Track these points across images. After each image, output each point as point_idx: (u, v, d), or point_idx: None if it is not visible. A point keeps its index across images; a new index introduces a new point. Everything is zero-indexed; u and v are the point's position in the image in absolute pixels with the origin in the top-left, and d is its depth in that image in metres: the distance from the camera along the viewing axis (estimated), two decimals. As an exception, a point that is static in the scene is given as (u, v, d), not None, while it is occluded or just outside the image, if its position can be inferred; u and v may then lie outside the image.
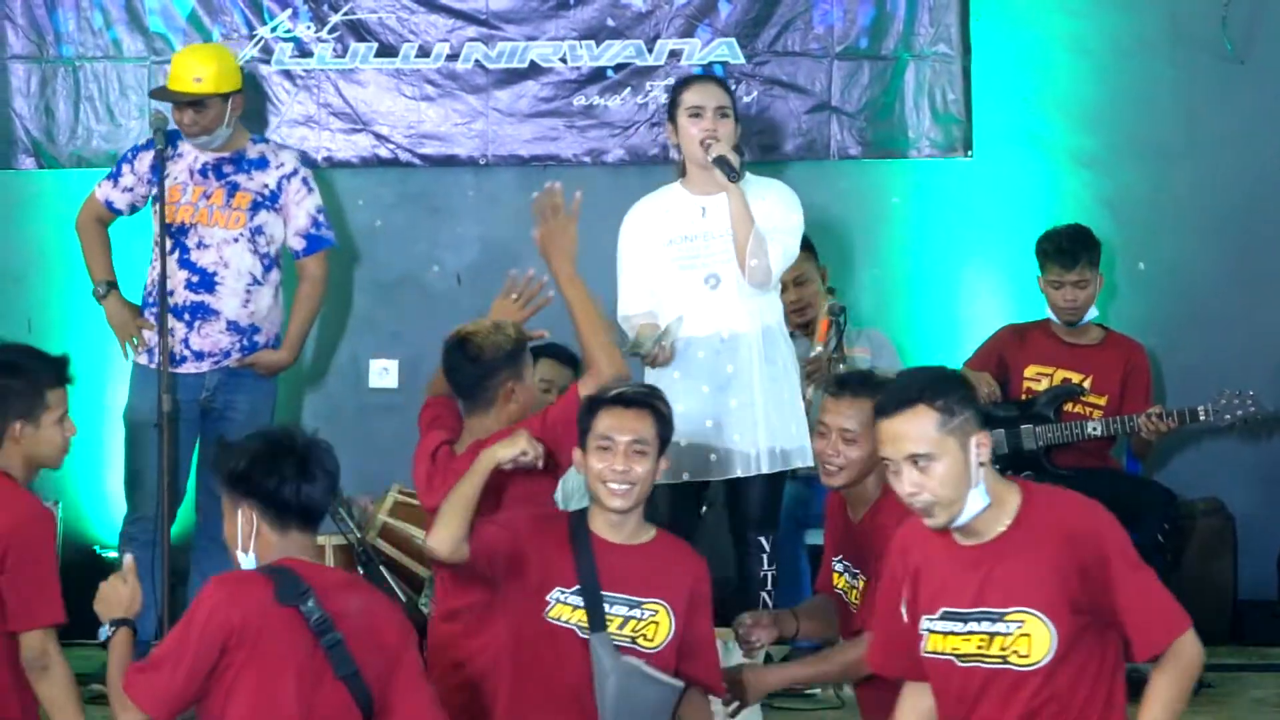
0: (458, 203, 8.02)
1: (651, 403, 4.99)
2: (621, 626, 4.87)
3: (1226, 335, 7.71)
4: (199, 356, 6.98)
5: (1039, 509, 4.25)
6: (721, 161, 6.13)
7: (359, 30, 7.91)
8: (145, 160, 7.12)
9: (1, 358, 4.96)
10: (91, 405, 7.76)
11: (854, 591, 5.20)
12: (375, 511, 7.11)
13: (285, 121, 7.90)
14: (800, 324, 7.21)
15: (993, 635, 4.21)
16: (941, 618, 4.27)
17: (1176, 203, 7.85)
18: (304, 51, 7.92)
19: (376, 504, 7.14)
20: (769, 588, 6.18)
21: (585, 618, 4.86)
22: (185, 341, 6.97)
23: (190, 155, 7.04)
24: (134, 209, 7.20)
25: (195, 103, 6.97)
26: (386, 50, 7.90)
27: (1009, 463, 7.36)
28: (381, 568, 6.99)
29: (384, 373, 7.97)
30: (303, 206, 7.10)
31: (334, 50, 7.91)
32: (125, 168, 7.19)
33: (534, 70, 7.89)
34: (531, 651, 4.91)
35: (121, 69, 7.88)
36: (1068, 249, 7.23)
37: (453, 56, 7.90)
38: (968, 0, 7.83)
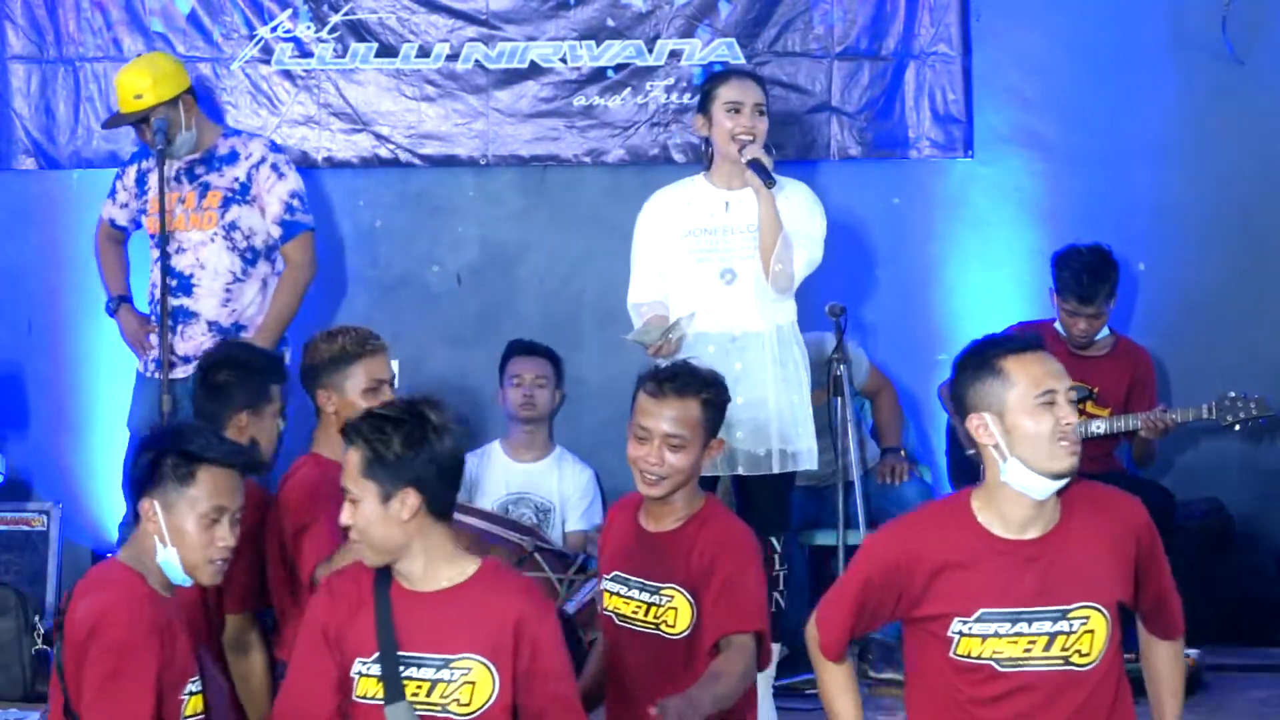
0: (458, 203, 8.01)
1: (362, 437, 4.16)
2: (430, 692, 4.11)
3: (1228, 335, 7.71)
4: (185, 360, 6.93)
5: (1086, 498, 4.15)
6: (757, 166, 6.03)
7: (359, 30, 7.90)
8: (131, 174, 7.16)
9: (228, 352, 5.55)
10: (90, 407, 7.77)
11: (650, 609, 4.74)
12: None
13: (285, 121, 7.90)
14: None
15: (1053, 635, 4.07)
16: (979, 620, 4.10)
17: (1177, 203, 7.85)
18: (304, 51, 7.91)
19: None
20: (780, 588, 6.09)
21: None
22: (172, 347, 6.96)
23: (167, 164, 7.02)
24: (136, 223, 7.22)
25: (146, 119, 6.94)
26: (386, 50, 7.90)
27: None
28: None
29: (384, 373, 7.95)
30: (274, 194, 7.01)
31: (334, 50, 7.91)
32: (118, 184, 7.24)
33: (534, 70, 7.89)
34: None
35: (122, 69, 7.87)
36: (1088, 284, 7.21)
37: (453, 56, 7.90)
38: (968, 0, 7.83)
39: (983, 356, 4.13)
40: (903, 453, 7.29)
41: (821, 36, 7.86)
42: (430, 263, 8.00)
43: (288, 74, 7.93)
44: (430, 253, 8.00)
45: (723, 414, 4.85)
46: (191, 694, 4.23)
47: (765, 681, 6.17)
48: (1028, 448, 4.04)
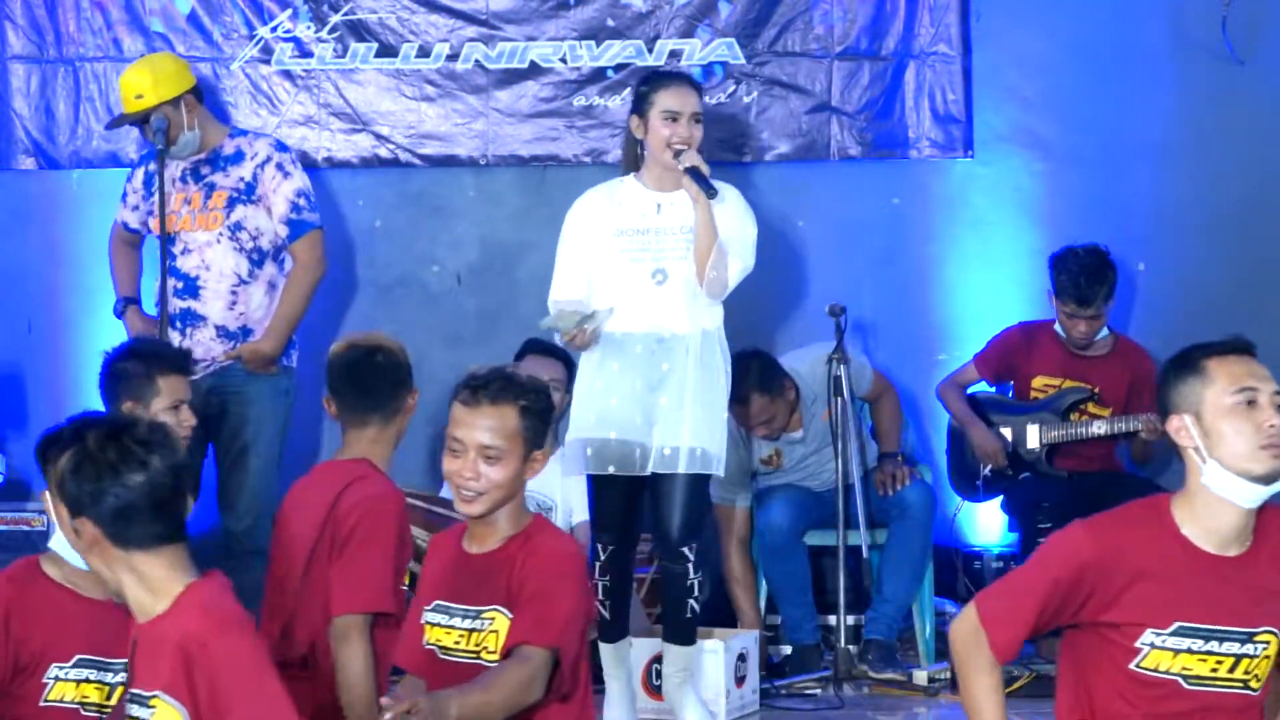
0: (458, 203, 8.02)
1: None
2: None
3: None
4: (194, 363, 6.92)
5: (1274, 521, 4.02)
6: (696, 174, 5.95)
7: (359, 30, 7.91)
8: (139, 176, 7.13)
9: (124, 345, 5.53)
10: (90, 407, 7.77)
11: (471, 635, 4.34)
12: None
13: (285, 121, 7.91)
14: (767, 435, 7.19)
15: (1239, 657, 3.96)
16: (1175, 633, 3.94)
17: (1176, 203, 7.85)
18: (304, 51, 7.92)
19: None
20: (695, 595, 5.97)
21: None
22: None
23: (173, 165, 7.01)
24: (146, 226, 7.16)
25: (148, 119, 6.92)
26: (386, 50, 7.91)
27: (1008, 463, 7.37)
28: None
29: (384, 373, 7.95)
30: (280, 193, 6.94)
31: (334, 50, 7.91)
32: (127, 187, 7.19)
33: (534, 70, 7.90)
34: None
35: (121, 69, 7.84)
36: (1086, 286, 7.22)
37: (453, 56, 7.91)
38: (968, 0, 7.83)
39: (1187, 356, 4.01)
40: (900, 458, 7.29)
41: (821, 36, 7.86)
42: (430, 263, 8.00)
43: (288, 74, 7.93)
44: (430, 253, 8.01)
45: (546, 423, 4.45)
46: (60, 680, 4.20)
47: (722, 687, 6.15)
48: (1226, 448, 3.90)
